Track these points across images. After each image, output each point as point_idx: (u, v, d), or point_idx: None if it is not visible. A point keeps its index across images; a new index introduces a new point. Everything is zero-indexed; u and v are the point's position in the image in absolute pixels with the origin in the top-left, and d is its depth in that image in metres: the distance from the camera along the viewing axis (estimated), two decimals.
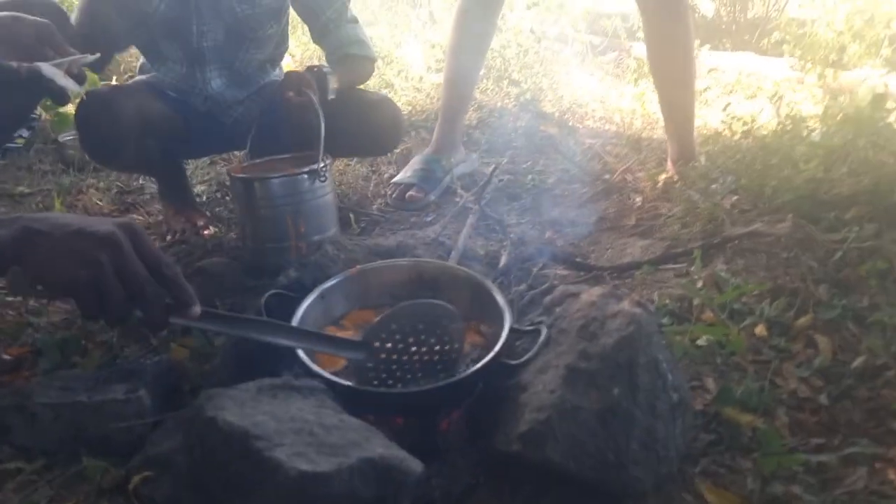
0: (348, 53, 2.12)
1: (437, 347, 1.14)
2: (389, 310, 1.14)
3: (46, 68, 1.25)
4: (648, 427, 0.99)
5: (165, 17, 1.94)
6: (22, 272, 0.84)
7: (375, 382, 1.12)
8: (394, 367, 1.13)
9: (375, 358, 1.12)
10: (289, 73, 1.89)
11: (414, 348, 1.13)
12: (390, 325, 1.12)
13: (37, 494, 1.06)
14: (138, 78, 2.19)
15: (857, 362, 1.26)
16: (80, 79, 1.31)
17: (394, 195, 2.37)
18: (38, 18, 1.31)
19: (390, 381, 1.13)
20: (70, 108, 3.28)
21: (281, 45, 2.26)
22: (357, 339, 1.14)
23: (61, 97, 1.29)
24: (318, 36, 2.17)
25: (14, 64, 1.22)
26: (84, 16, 1.79)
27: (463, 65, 2.46)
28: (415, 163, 2.45)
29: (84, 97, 1.81)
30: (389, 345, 1.12)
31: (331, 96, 1.89)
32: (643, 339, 1.02)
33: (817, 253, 1.55)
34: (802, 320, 1.40)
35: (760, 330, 1.40)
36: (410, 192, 2.33)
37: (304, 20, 2.17)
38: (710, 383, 1.27)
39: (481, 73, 2.81)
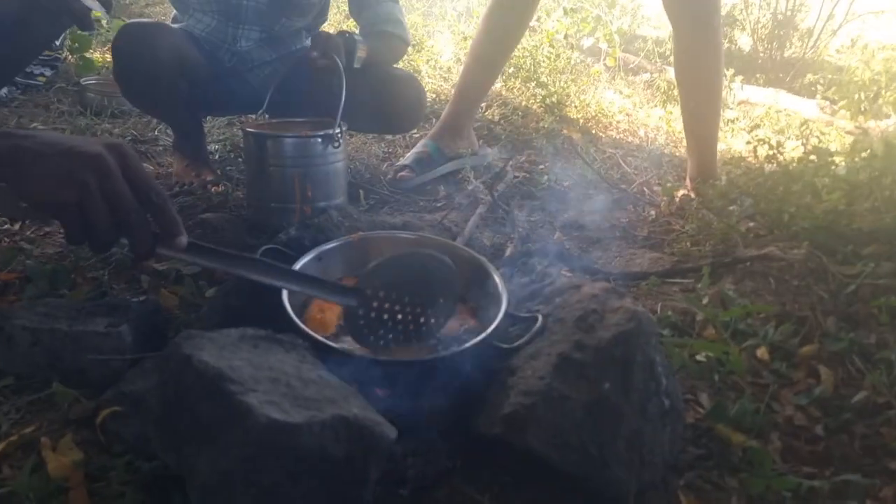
0: (384, 30, 2.10)
1: (427, 311, 1.12)
2: (387, 257, 1.10)
3: None
4: (637, 428, 0.96)
5: None
6: (8, 189, 0.82)
7: (365, 331, 1.09)
8: (385, 317, 1.10)
9: (367, 307, 1.08)
10: (318, 34, 1.87)
11: (408, 307, 1.11)
12: (388, 273, 1.08)
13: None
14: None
15: (859, 397, 1.22)
16: (106, 3, 1.29)
17: (389, 176, 2.36)
18: None
19: (380, 332, 1.10)
20: (95, 55, 3.28)
21: (320, 16, 2.25)
22: (350, 285, 1.10)
23: (85, 20, 1.27)
24: (357, 8, 2.15)
25: None
26: None
27: (486, 55, 2.43)
28: (416, 146, 2.44)
29: (123, 28, 1.79)
30: (382, 293, 1.08)
31: (356, 64, 1.86)
32: (642, 336, 0.98)
33: (829, 284, 1.51)
34: (807, 349, 1.36)
35: (762, 353, 1.36)
36: (402, 173, 2.31)
37: None
38: (705, 399, 1.23)
39: (503, 68, 2.77)
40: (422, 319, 1.13)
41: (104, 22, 3.16)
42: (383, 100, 2.01)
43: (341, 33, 1.91)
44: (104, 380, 1.11)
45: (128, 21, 1.86)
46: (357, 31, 2.16)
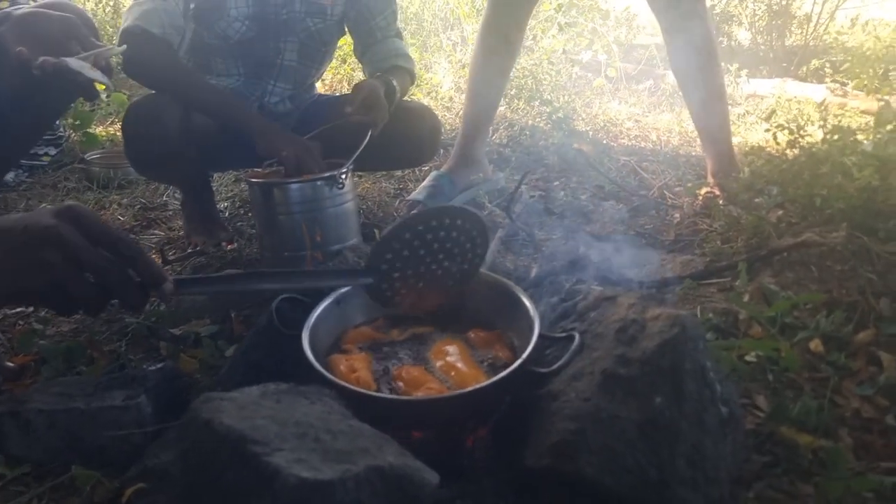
0: (395, 65, 2.07)
1: (457, 249, 1.12)
2: (390, 229, 1.09)
3: (73, 62, 1.21)
4: (695, 442, 0.88)
5: (244, 38, 1.91)
6: None
7: (391, 295, 1.11)
8: (411, 279, 1.11)
9: (388, 279, 1.08)
10: (360, 84, 1.83)
11: (429, 257, 1.10)
12: (393, 243, 1.07)
13: None
14: None
15: None
16: (108, 71, 1.27)
17: (402, 212, 2.33)
18: (63, 13, 1.28)
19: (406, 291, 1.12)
20: (98, 130, 3.30)
21: (328, 64, 2.25)
22: (361, 266, 1.07)
23: (89, 91, 1.25)
24: (364, 46, 2.12)
25: (39, 60, 1.19)
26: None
27: (485, 83, 2.40)
28: (427, 180, 2.41)
29: (131, 107, 1.77)
30: (399, 263, 1.09)
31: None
32: (689, 342, 0.91)
33: (875, 265, 1.43)
34: (863, 335, 1.28)
35: (816, 345, 1.28)
36: (414, 211, 2.27)
37: (352, 29, 2.12)
38: (762, 401, 1.16)
39: (504, 91, 2.73)
40: (447, 264, 1.13)
41: (104, 96, 3.17)
42: (401, 134, 1.96)
43: (381, 79, 1.88)
44: (126, 456, 1.06)
45: (133, 99, 1.82)
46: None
